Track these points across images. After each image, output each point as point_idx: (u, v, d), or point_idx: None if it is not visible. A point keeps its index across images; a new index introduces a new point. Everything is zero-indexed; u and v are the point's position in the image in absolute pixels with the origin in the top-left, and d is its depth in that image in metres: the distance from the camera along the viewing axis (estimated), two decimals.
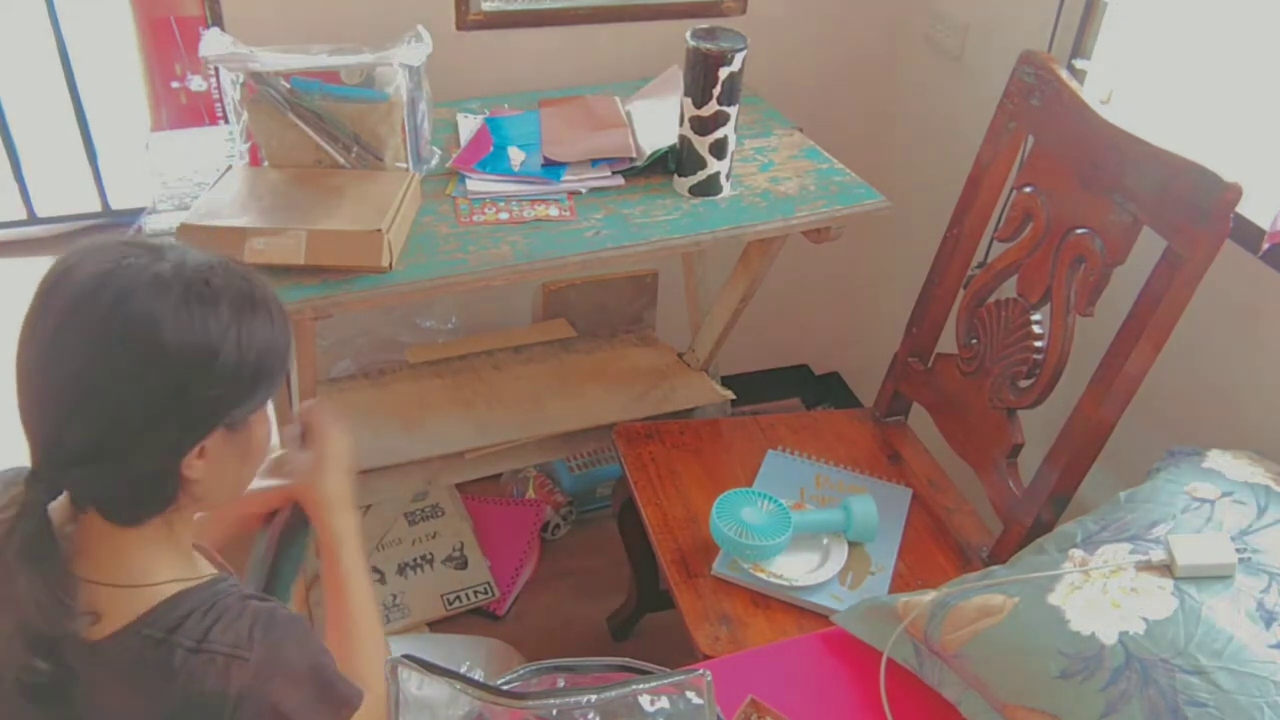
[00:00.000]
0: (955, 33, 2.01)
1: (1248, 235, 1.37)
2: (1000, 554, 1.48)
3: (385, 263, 1.37)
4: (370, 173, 1.51)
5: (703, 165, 1.57)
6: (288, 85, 1.47)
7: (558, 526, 2.26)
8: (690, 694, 0.86)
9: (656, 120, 1.71)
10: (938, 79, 2.10)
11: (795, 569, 1.50)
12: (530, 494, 2.27)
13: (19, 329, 0.85)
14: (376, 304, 1.43)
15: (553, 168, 1.62)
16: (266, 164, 1.52)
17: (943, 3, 2.04)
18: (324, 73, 1.48)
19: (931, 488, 1.70)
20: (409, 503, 2.18)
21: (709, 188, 1.59)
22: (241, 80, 1.47)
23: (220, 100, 2.32)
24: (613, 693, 0.83)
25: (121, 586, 0.88)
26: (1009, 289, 1.57)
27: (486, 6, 1.88)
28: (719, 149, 1.56)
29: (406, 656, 0.87)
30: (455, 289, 1.45)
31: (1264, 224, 1.33)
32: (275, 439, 1.07)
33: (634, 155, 1.65)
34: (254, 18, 1.76)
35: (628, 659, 0.92)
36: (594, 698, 0.83)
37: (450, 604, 2.04)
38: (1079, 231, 1.43)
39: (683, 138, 1.57)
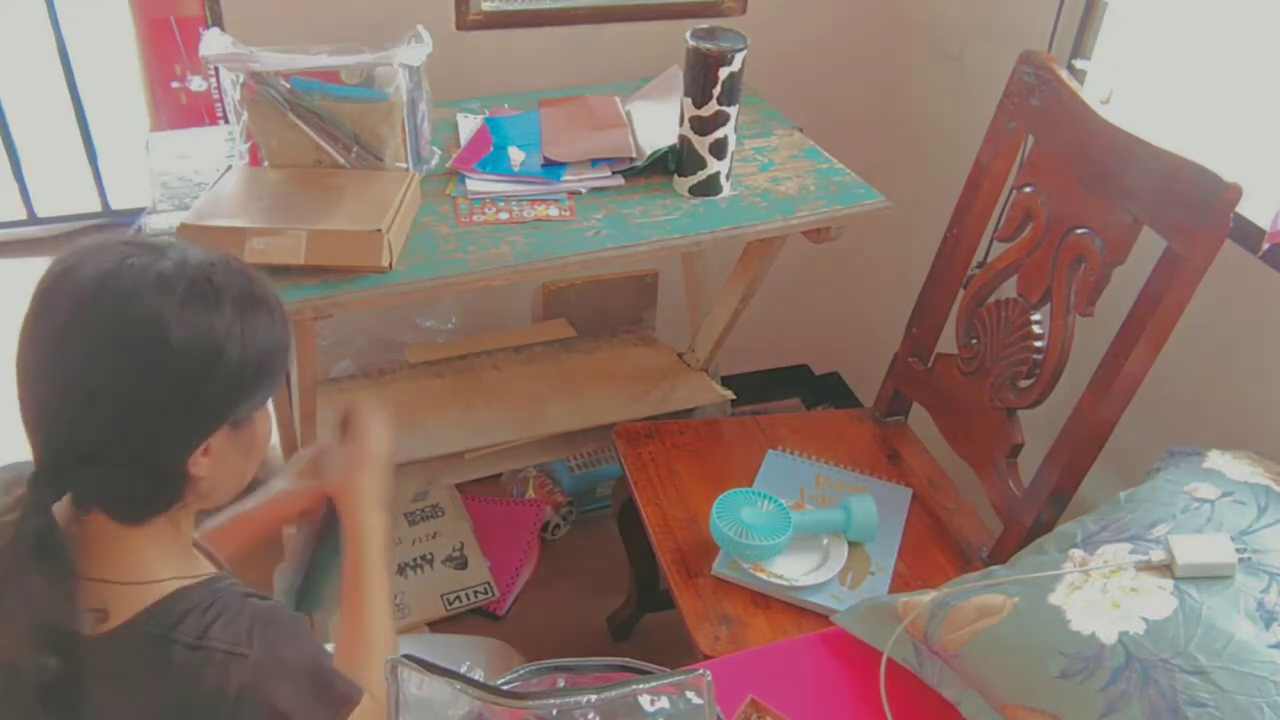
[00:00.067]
0: (955, 33, 2.01)
1: (1248, 235, 1.37)
2: (1000, 554, 1.48)
3: (385, 263, 1.37)
4: (370, 173, 1.51)
5: (703, 165, 1.57)
6: (288, 85, 1.47)
7: (558, 526, 2.26)
8: (690, 694, 0.86)
9: (656, 120, 1.71)
10: (938, 79, 2.10)
11: (795, 569, 1.50)
12: (530, 494, 2.27)
13: (19, 330, 0.85)
14: (376, 304, 1.43)
15: (553, 168, 1.62)
16: (266, 164, 1.52)
17: (943, 3, 2.04)
18: (324, 73, 1.48)
19: (931, 488, 1.70)
20: (409, 503, 2.18)
21: (709, 188, 1.59)
22: (241, 80, 1.46)
23: (220, 100, 2.33)
24: (613, 693, 0.83)
25: (123, 584, 0.88)
26: (1009, 289, 1.57)
27: (486, 6, 1.88)
28: (719, 149, 1.56)
29: (406, 656, 0.87)
30: (455, 289, 1.45)
31: (1264, 224, 1.33)
32: (275, 437, 1.07)
33: (634, 155, 1.65)
34: (254, 18, 1.76)
35: (628, 659, 0.92)
36: (594, 698, 0.83)
37: (450, 604, 2.04)
38: (1079, 231, 1.43)
39: (683, 138, 1.57)
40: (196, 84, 2.58)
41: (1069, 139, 1.46)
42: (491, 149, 1.65)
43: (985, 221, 1.65)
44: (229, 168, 1.52)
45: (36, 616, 0.83)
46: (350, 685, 0.95)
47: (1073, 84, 1.48)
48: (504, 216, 1.53)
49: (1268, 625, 1.04)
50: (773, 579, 1.47)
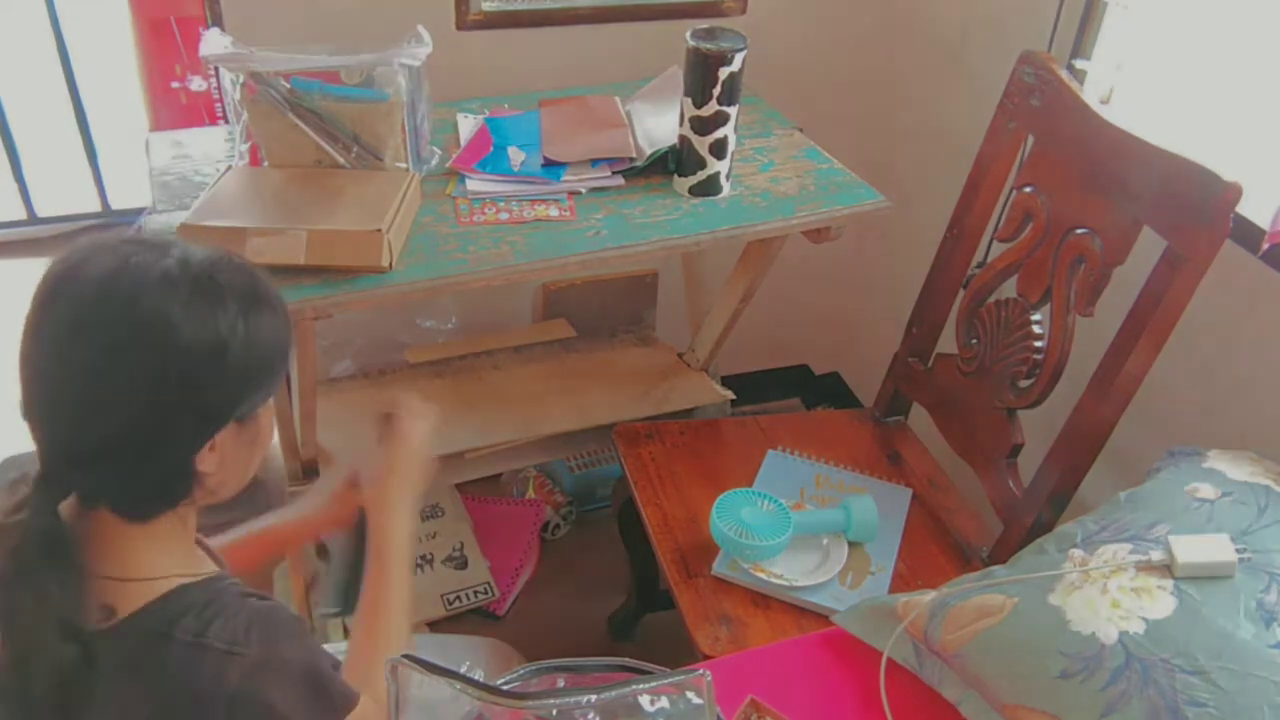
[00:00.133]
0: (955, 33, 2.01)
1: (1248, 235, 1.37)
2: (1000, 554, 1.48)
3: (385, 263, 1.37)
4: (370, 173, 1.51)
5: (703, 165, 1.57)
6: (288, 85, 1.47)
7: (558, 526, 2.26)
8: (690, 694, 0.86)
9: (656, 120, 1.71)
10: (938, 79, 2.10)
11: (795, 569, 1.50)
12: (530, 494, 2.27)
13: (22, 330, 0.85)
14: (376, 304, 1.43)
15: (553, 168, 1.62)
16: (266, 164, 1.52)
17: (943, 3, 2.04)
18: (324, 73, 1.48)
19: (931, 488, 1.70)
20: None
21: (709, 188, 1.59)
22: (241, 80, 1.46)
23: (220, 100, 2.33)
24: (613, 693, 0.83)
25: (127, 580, 0.88)
26: (1009, 289, 1.57)
27: (486, 6, 1.88)
28: (719, 149, 1.56)
29: (406, 656, 0.87)
30: (455, 289, 1.45)
31: (1264, 224, 1.33)
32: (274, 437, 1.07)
33: (634, 155, 1.65)
34: (254, 18, 1.76)
35: (628, 659, 0.92)
36: (594, 698, 0.83)
37: (450, 604, 2.04)
38: (1079, 231, 1.43)
39: (683, 138, 1.57)
40: (196, 84, 2.58)
41: (1069, 139, 1.46)
42: (491, 149, 1.65)
43: (985, 221, 1.65)
44: (229, 168, 1.52)
45: (53, 612, 0.83)
46: (347, 688, 0.95)
47: (1073, 84, 1.48)
48: (504, 216, 1.53)
49: (1268, 625, 1.04)
50: (773, 579, 1.47)
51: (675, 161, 1.61)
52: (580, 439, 1.92)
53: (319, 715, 0.92)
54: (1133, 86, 1.65)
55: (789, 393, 2.66)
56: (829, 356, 2.67)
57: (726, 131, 1.55)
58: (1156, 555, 1.12)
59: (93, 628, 0.85)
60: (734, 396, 2.01)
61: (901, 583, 1.51)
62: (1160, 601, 1.08)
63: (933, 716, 1.21)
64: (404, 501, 1.15)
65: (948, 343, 1.70)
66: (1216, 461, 1.28)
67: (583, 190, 1.59)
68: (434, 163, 1.62)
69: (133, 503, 0.89)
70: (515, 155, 1.64)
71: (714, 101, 1.51)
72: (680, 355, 2.08)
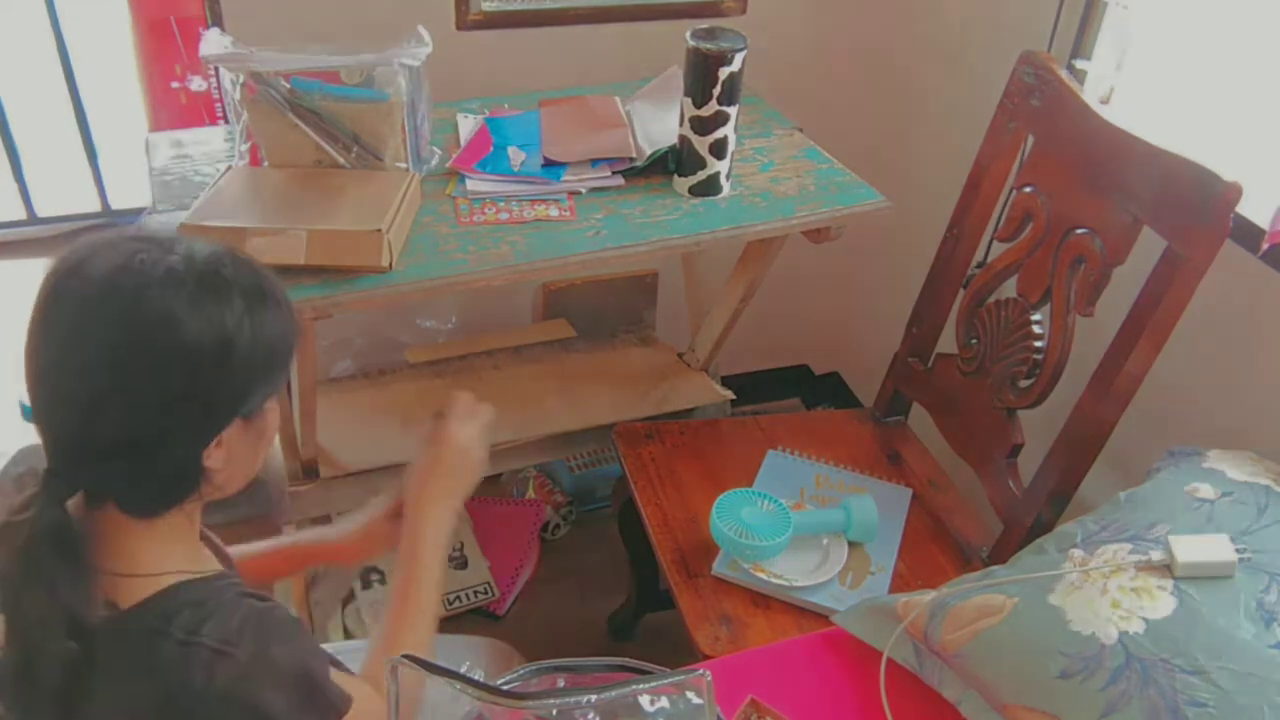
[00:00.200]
0: (955, 33, 2.01)
1: (1248, 235, 1.37)
2: (1000, 554, 1.48)
3: (385, 263, 1.37)
4: (370, 173, 1.51)
5: (703, 165, 1.57)
6: (288, 85, 1.47)
7: (558, 526, 2.26)
8: (690, 694, 0.86)
9: (656, 120, 1.71)
10: (938, 79, 2.10)
11: (795, 569, 1.50)
12: (530, 494, 2.27)
13: (28, 328, 0.85)
14: (376, 304, 1.43)
15: (553, 168, 1.62)
16: (266, 164, 1.52)
17: (943, 3, 2.04)
18: (324, 73, 1.48)
19: (931, 488, 1.70)
20: None
21: (709, 188, 1.59)
22: (241, 80, 1.46)
23: (220, 100, 2.33)
24: (613, 693, 0.83)
25: (129, 576, 0.88)
26: (1009, 289, 1.57)
27: (486, 6, 1.88)
28: (719, 149, 1.56)
29: (406, 656, 0.87)
30: (455, 289, 1.45)
31: (1264, 224, 1.33)
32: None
33: (634, 155, 1.65)
34: (254, 18, 1.76)
35: (628, 659, 0.92)
36: (594, 698, 0.83)
37: (450, 604, 2.04)
38: (1079, 231, 1.43)
39: (683, 138, 1.57)
40: (196, 84, 2.58)
41: (1069, 139, 1.46)
42: (491, 149, 1.65)
43: (985, 221, 1.65)
44: (229, 168, 1.52)
45: (61, 608, 0.84)
46: (340, 692, 0.94)
47: (1073, 84, 1.48)
48: (504, 216, 1.53)
49: (1268, 625, 1.04)
50: (773, 579, 1.47)
51: (675, 161, 1.61)
52: (580, 439, 1.92)
53: (310, 717, 0.91)
54: (1133, 86, 1.65)
55: (789, 393, 2.66)
56: (829, 356, 2.67)
57: (726, 131, 1.55)
58: (1156, 555, 1.12)
59: (94, 622, 0.85)
60: (734, 396, 2.01)
61: (901, 583, 1.51)
62: (1160, 601, 1.08)
63: (933, 716, 1.21)
64: (443, 501, 1.15)
65: (948, 343, 1.70)
66: (1216, 461, 1.28)
67: (583, 190, 1.59)
68: (434, 163, 1.62)
69: (139, 500, 0.90)
70: (515, 155, 1.64)
71: (714, 101, 1.51)
72: (680, 355, 2.08)
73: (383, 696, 0.97)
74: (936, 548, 1.59)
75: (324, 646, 1.01)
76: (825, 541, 1.54)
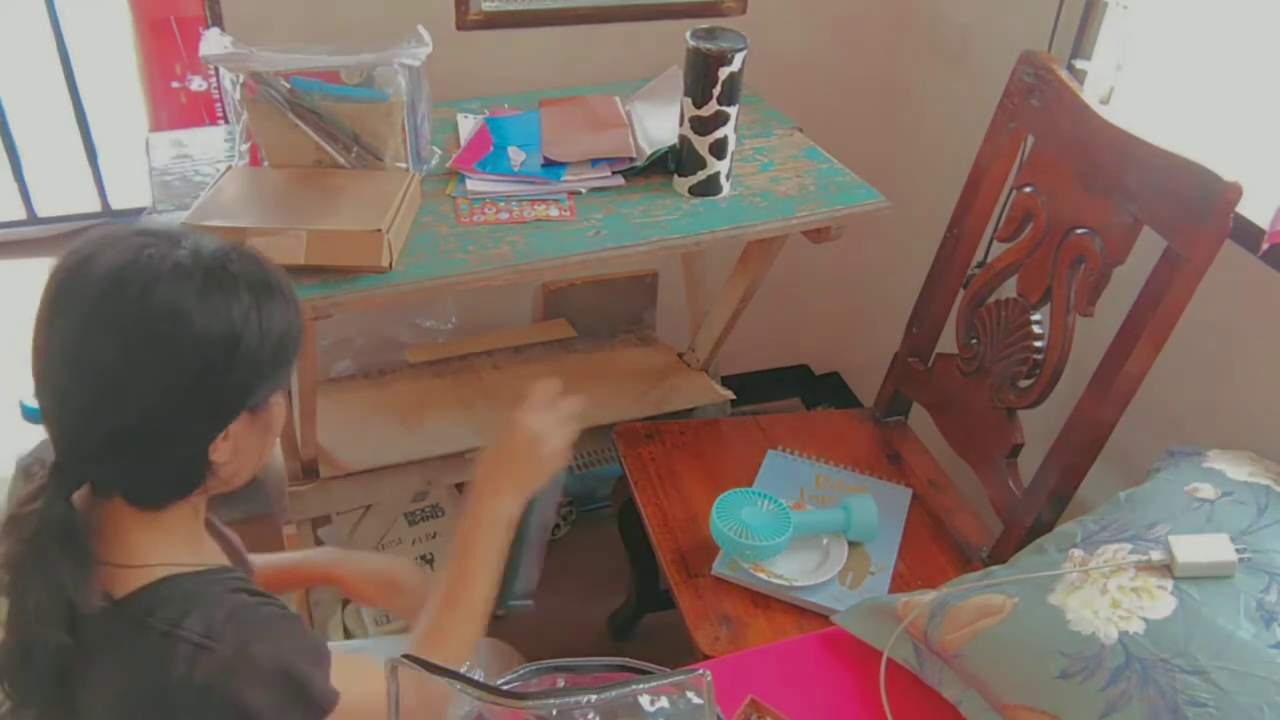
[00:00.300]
0: (955, 33, 2.01)
1: (1248, 235, 1.37)
2: (1000, 554, 1.48)
3: (385, 263, 1.37)
4: (370, 173, 1.51)
5: (703, 165, 1.57)
6: (288, 85, 1.47)
7: (558, 527, 2.26)
8: (690, 694, 0.86)
9: (656, 120, 1.71)
10: (938, 79, 2.10)
11: (795, 569, 1.50)
12: None
13: (35, 322, 0.86)
14: (376, 304, 1.43)
15: (553, 168, 1.62)
16: (266, 164, 1.52)
17: (943, 3, 2.04)
18: (324, 73, 1.48)
19: (931, 488, 1.70)
20: (409, 503, 2.18)
21: (709, 188, 1.59)
22: (241, 80, 1.46)
23: (220, 100, 2.32)
24: (613, 693, 0.83)
25: (125, 566, 0.89)
26: (1009, 289, 1.57)
27: (486, 6, 1.88)
28: (719, 149, 1.56)
29: (406, 656, 0.87)
30: (455, 289, 1.45)
31: (1264, 224, 1.33)
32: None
33: (634, 155, 1.65)
34: (254, 18, 1.76)
35: (628, 659, 0.92)
36: (594, 698, 0.83)
37: None
38: (1079, 231, 1.43)
39: (683, 138, 1.57)
40: (196, 84, 2.58)
41: (1069, 139, 1.46)
42: (491, 149, 1.65)
43: (985, 221, 1.65)
44: (229, 168, 1.52)
45: (61, 600, 0.84)
46: (326, 692, 0.92)
47: (1073, 84, 1.48)
48: (504, 216, 1.53)
49: (1268, 625, 1.04)
50: (773, 579, 1.47)
51: (675, 161, 1.61)
52: (580, 439, 1.91)
53: (295, 714, 0.90)
54: (1133, 86, 1.65)
55: (789, 393, 2.66)
56: (829, 356, 2.67)
57: (726, 131, 1.55)
58: (1156, 555, 1.12)
59: (88, 612, 0.86)
60: (734, 396, 2.01)
61: (901, 583, 1.51)
62: (1160, 601, 1.08)
63: (933, 716, 1.21)
64: (506, 492, 1.11)
65: (948, 343, 1.70)
66: (1216, 461, 1.28)
67: (583, 190, 1.59)
68: (434, 163, 1.62)
69: (146, 492, 0.90)
70: (515, 155, 1.64)
71: (714, 101, 1.51)
72: (680, 355, 2.08)
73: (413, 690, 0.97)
74: (936, 548, 1.59)
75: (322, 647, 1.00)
76: (825, 541, 1.54)
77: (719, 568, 1.51)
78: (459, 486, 2.23)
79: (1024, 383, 1.53)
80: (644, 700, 0.85)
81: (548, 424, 1.15)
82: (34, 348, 0.86)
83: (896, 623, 1.25)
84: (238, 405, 0.89)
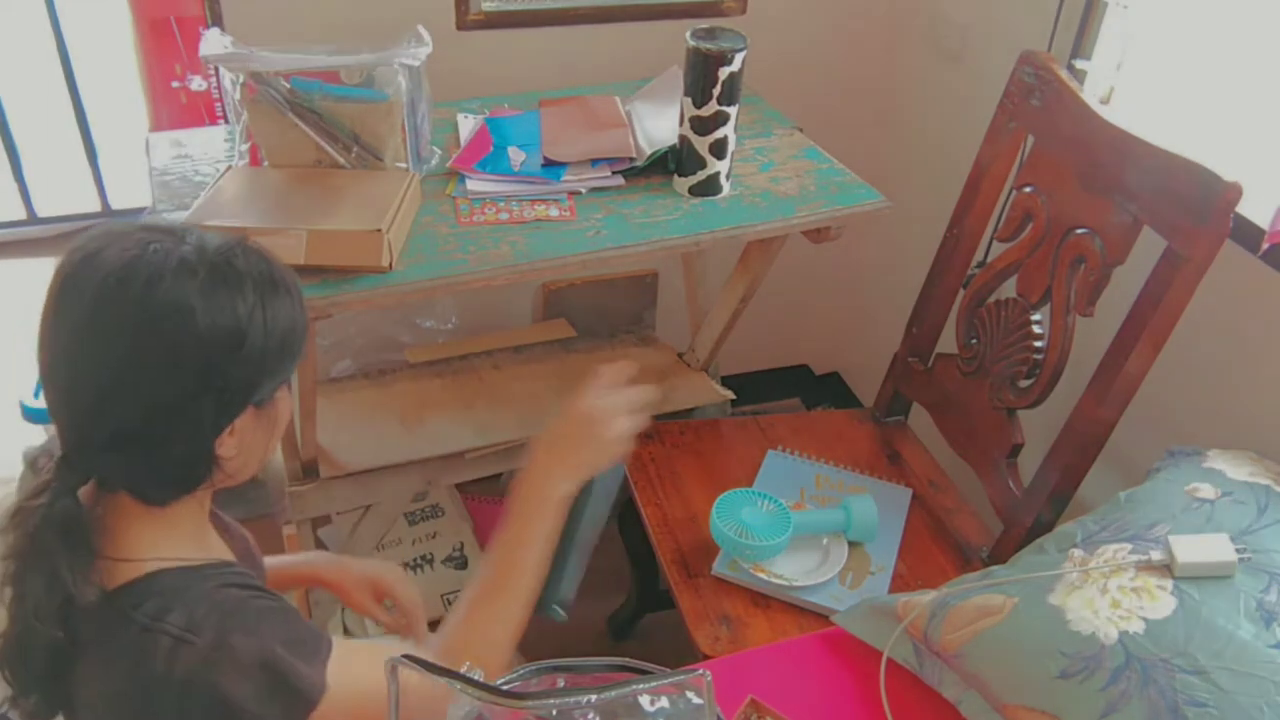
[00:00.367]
0: (955, 33, 2.01)
1: (1248, 235, 1.37)
2: (1000, 554, 1.48)
3: (385, 263, 1.37)
4: (370, 173, 1.51)
5: (703, 165, 1.57)
6: (288, 85, 1.47)
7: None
8: (690, 694, 0.86)
9: (656, 120, 1.71)
10: (938, 79, 2.10)
11: (795, 569, 1.50)
12: None
13: (41, 318, 0.86)
14: (376, 304, 1.43)
15: (553, 168, 1.62)
16: (266, 164, 1.52)
17: (943, 3, 2.04)
18: (324, 73, 1.48)
19: (931, 488, 1.70)
20: (409, 503, 2.18)
21: (709, 188, 1.59)
22: (241, 80, 1.46)
23: (220, 100, 2.33)
24: (613, 693, 0.83)
25: (123, 560, 0.89)
26: (1009, 289, 1.57)
27: (486, 6, 1.88)
28: (719, 149, 1.56)
29: (406, 656, 0.87)
30: (455, 289, 1.45)
31: (1264, 224, 1.33)
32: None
33: (634, 155, 1.65)
34: (254, 18, 1.76)
35: (628, 659, 0.92)
36: (594, 698, 0.83)
37: (450, 604, 2.04)
38: (1079, 231, 1.43)
39: (683, 138, 1.57)
40: (196, 84, 2.58)
41: (1069, 139, 1.46)
42: (491, 149, 1.65)
43: (985, 221, 1.65)
44: (229, 168, 1.52)
45: (58, 595, 0.85)
46: (312, 684, 0.90)
47: (1073, 84, 1.48)
48: (504, 216, 1.53)
49: (1268, 625, 1.04)
50: (773, 579, 1.47)
51: (675, 161, 1.61)
52: None
53: (278, 706, 0.88)
54: (1133, 86, 1.65)
55: (789, 393, 2.66)
56: (829, 356, 2.67)
57: (726, 131, 1.55)
58: (1156, 555, 1.12)
59: (83, 605, 0.86)
60: (734, 396, 2.00)
61: (901, 583, 1.51)
62: (1160, 601, 1.08)
63: (933, 716, 1.21)
64: (557, 473, 1.05)
65: (948, 343, 1.70)
66: (1216, 461, 1.28)
67: (583, 190, 1.59)
68: (434, 163, 1.62)
69: (152, 488, 0.90)
70: (515, 155, 1.64)
71: (714, 101, 1.51)
72: (680, 355, 2.08)
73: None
74: (936, 548, 1.59)
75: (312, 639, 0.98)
76: (825, 541, 1.54)
77: (719, 568, 1.51)
78: (459, 487, 2.24)
79: (1024, 383, 1.53)
80: (644, 700, 0.85)
81: (611, 406, 1.08)
82: (39, 344, 0.86)
83: (896, 623, 1.25)
84: (243, 401, 0.89)
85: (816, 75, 2.16)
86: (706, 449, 1.75)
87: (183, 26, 2.54)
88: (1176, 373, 1.48)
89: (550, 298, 2.21)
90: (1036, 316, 1.50)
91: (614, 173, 1.63)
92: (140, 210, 1.60)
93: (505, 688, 0.89)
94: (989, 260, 1.63)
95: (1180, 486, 1.24)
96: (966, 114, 1.84)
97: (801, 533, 1.52)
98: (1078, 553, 1.18)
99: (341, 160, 1.50)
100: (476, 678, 0.82)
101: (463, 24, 1.88)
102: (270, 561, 1.23)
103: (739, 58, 1.49)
